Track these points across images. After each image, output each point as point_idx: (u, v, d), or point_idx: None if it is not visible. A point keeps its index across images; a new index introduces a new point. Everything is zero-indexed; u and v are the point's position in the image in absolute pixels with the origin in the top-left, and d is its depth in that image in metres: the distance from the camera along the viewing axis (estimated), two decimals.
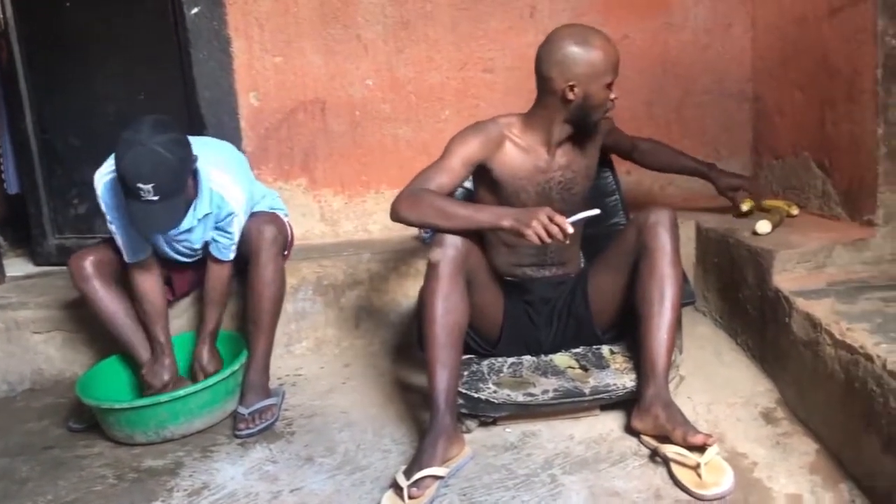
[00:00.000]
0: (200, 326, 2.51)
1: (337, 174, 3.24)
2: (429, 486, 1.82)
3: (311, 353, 2.86)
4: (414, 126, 3.21)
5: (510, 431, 2.13)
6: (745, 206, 2.66)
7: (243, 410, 2.31)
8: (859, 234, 2.32)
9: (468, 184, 2.33)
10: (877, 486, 1.65)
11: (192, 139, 2.26)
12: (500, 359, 2.28)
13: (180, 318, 2.78)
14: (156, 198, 2.07)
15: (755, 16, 3.13)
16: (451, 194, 2.12)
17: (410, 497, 1.78)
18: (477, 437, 2.11)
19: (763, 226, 2.44)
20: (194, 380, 2.43)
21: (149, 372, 2.40)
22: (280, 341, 2.71)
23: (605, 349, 2.29)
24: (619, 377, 2.13)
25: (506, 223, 1.95)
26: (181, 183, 2.15)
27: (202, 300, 2.74)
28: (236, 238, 2.40)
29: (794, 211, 2.65)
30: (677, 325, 2.09)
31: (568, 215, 1.96)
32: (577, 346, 2.31)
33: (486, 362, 2.27)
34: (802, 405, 2.06)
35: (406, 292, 2.83)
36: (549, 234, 1.90)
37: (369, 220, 3.27)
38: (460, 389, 2.08)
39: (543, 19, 3.09)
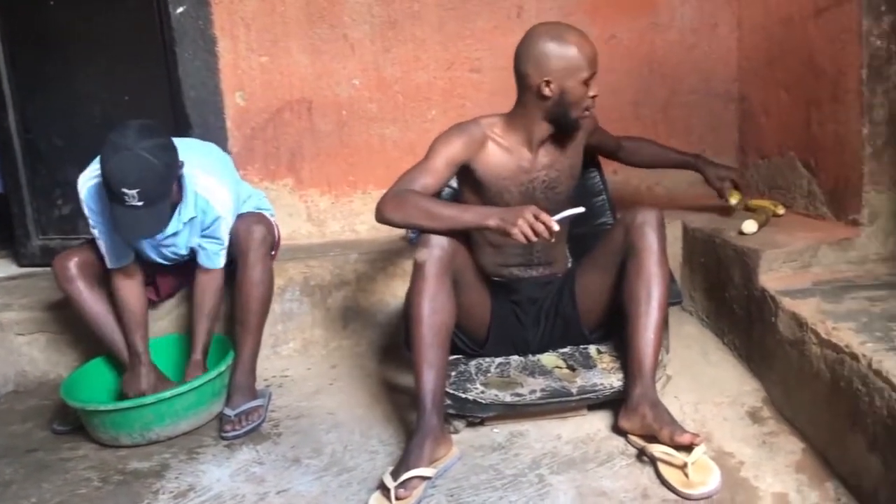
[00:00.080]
0: (191, 341, 2.44)
1: (324, 174, 3.23)
2: (416, 486, 1.81)
3: (297, 354, 2.85)
4: (401, 126, 3.20)
5: (498, 432, 2.13)
6: (733, 200, 2.64)
7: (230, 412, 2.29)
8: (845, 233, 2.33)
9: (454, 183, 2.32)
10: (862, 484, 1.66)
11: (177, 141, 2.24)
12: (487, 359, 2.28)
13: (163, 320, 2.77)
14: (140, 203, 2.06)
15: (741, 16, 3.14)
16: (436, 195, 2.12)
17: (398, 498, 1.77)
18: (465, 437, 2.11)
19: (749, 225, 2.45)
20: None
21: (125, 382, 2.38)
22: (267, 342, 2.70)
23: (592, 349, 2.29)
24: (607, 377, 2.14)
25: (491, 222, 1.95)
26: (166, 188, 2.14)
27: (189, 301, 2.73)
28: (225, 242, 2.38)
29: (780, 210, 2.66)
30: (664, 324, 2.10)
31: (552, 214, 1.95)
32: (565, 346, 2.31)
33: (473, 362, 2.26)
34: (788, 404, 2.06)
35: (393, 293, 2.82)
36: (535, 233, 1.90)
37: (356, 220, 3.26)
38: (448, 390, 2.08)
39: (531, 19, 3.08)
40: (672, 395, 2.21)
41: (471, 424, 2.15)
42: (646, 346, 2.02)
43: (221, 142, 3.06)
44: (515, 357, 2.29)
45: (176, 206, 2.27)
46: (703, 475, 1.76)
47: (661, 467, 1.83)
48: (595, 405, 2.15)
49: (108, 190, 2.08)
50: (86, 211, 2.29)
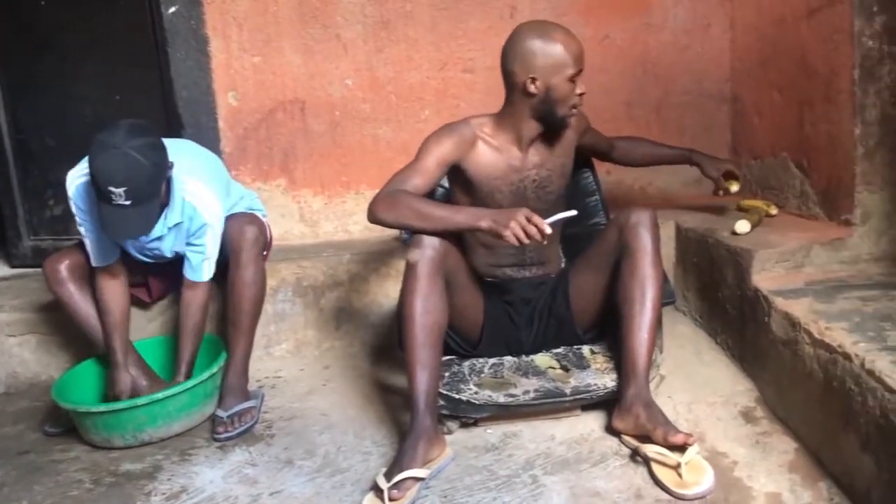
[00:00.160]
0: (175, 360, 2.41)
1: (317, 174, 3.22)
2: (409, 487, 1.81)
3: (290, 355, 2.84)
4: (394, 126, 3.19)
5: (491, 432, 2.12)
6: (734, 188, 2.60)
7: (222, 413, 2.28)
8: (837, 233, 2.34)
9: (447, 183, 2.32)
10: (855, 483, 1.66)
11: (168, 142, 2.23)
12: (481, 360, 2.28)
13: (155, 321, 2.76)
14: (127, 202, 2.05)
15: (734, 17, 3.15)
16: (427, 195, 2.12)
17: (391, 499, 1.77)
18: (458, 438, 2.11)
19: (742, 225, 2.46)
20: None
21: (108, 385, 2.37)
22: (259, 343, 2.69)
23: (585, 349, 2.29)
24: (600, 377, 2.14)
25: (483, 224, 1.95)
26: (155, 189, 2.12)
27: (177, 301, 2.72)
28: (209, 252, 2.34)
29: (773, 211, 2.67)
30: (658, 324, 2.10)
31: (544, 214, 1.96)
32: (558, 347, 2.31)
33: (467, 363, 2.26)
34: (782, 404, 2.07)
35: (387, 293, 2.81)
36: (528, 235, 1.90)
37: (349, 220, 3.25)
38: (441, 391, 2.08)
39: (524, 19, 3.01)
40: (665, 395, 2.21)
41: (464, 425, 2.15)
42: (640, 346, 2.02)
43: (214, 142, 3.06)
44: (509, 358, 2.29)
45: (163, 208, 2.25)
46: (697, 475, 1.76)
47: (655, 467, 1.84)
48: (589, 405, 2.15)
49: (96, 188, 2.07)
50: (73, 209, 2.28)
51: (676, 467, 1.78)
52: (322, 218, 3.26)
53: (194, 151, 2.44)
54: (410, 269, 1.99)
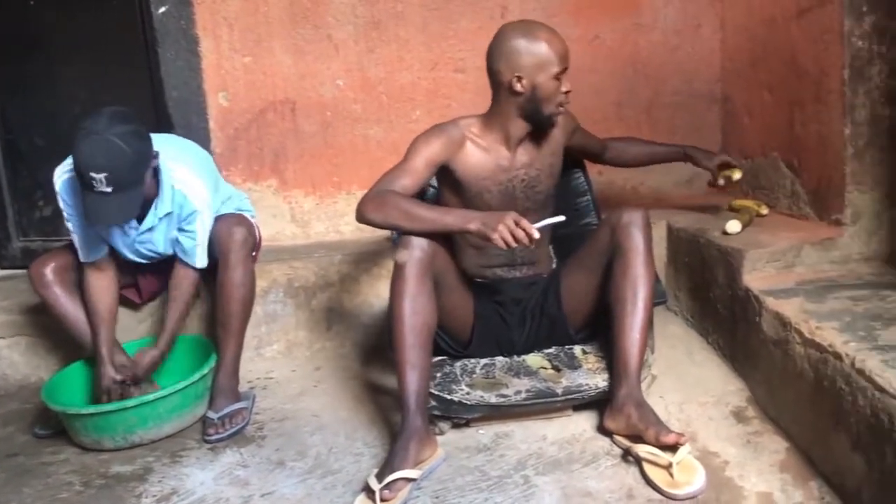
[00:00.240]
0: (160, 332, 2.42)
1: (308, 175, 3.21)
2: (401, 488, 1.81)
3: (281, 356, 2.84)
4: (385, 126, 3.19)
5: (483, 433, 2.12)
6: (736, 175, 2.56)
7: (213, 415, 2.28)
8: (827, 233, 2.35)
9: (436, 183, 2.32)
10: (846, 483, 1.67)
11: (155, 136, 2.23)
12: (472, 360, 2.27)
13: (145, 322, 2.75)
14: (109, 189, 2.04)
15: (724, 17, 3.16)
16: (417, 195, 2.12)
17: (382, 500, 1.76)
18: (450, 438, 2.11)
19: (733, 225, 2.46)
20: (123, 380, 2.34)
21: (94, 382, 2.36)
22: (250, 344, 2.69)
23: (577, 349, 2.29)
24: (592, 377, 2.14)
25: (472, 227, 1.95)
26: (137, 176, 2.11)
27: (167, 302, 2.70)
28: (200, 238, 2.35)
29: (764, 211, 2.67)
30: (649, 324, 2.10)
31: (533, 214, 1.97)
32: (550, 347, 2.31)
33: (458, 364, 2.26)
34: (773, 404, 2.07)
35: (378, 294, 2.81)
36: (516, 239, 1.90)
37: (340, 220, 3.25)
38: (433, 391, 2.08)
39: (514, 20, 3.08)
40: (657, 394, 2.22)
41: (456, 426, 2.15)
42: (631, 346, 2.03)
43: (204, 143, 3.04)
44: (500, 358, 2.28)
45: (152, 200, 2.26)
46: (688, 475, 1.76)
47: (647, 467, 1.84)
48: (580, 405, 2.15)
49: (78, 175, 2.07)
50: (60, 203, 2.28)
51: (668, 467, 1.78)
52: (313, 218, 3.25)
53: (181, 143, 2.45)
54: (398, 270, 1.99)
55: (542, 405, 2.11)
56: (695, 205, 2.94)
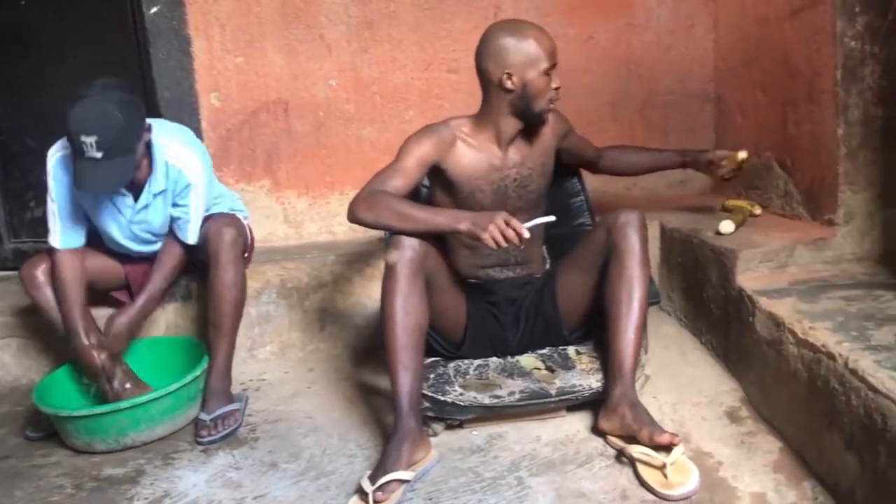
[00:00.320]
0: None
1: (301, 175, 3.21)
2: (394, 490, 1.80)
3: (274, 357, 2.83)
4: (378, 126, 3.18)
5: (477, 434, 2.12)
6: (741, 154, 2.48)
7: (205, 417, 2.26)
8: (820, 233, 2.35)
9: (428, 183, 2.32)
10: (839, 483, 1.67)
11: (151, 120, 2.25)
12: (466, 361, 2.27)
13: None
14: (99, 154, 2.05)
15: (717, 17, 3.16)
16: (411, 196, 2.12)
17: (376, 502, 1.76)
18: (443, 440, 2.10)
19: (726, 225, 2.46)
20: (88, 339, 2.32)
21: (81, 367, 2.34)
22: (243, 345, 2.68)
23: (570, 350, 2.29)
24: (586, 378, 2.13)
25: (463, 227, 1.95)
26: (127, 142, 2.12)
27: (163, 304, 2.70)
28: (192, 213, 2.35)
29: (757, 211, 2.67)
30: (644, 325, 2.10)
31: (525, 214, 1.98)
32: (544, 347, 2.31)
33: (451, 364, 2.25)
34: (766, 404, 2.07)
35: (371, 294, 2.80)
36: (506, 239, 1.90)
37: (334, 221, 3.24)
38: (426, 392, 2.07)
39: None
40: (651, 395, 2.21)
41: (449, 427, 2.14)
42: (626, 346, 2.02)
43: None
44: (494, 359, 2.28)
45: (146, 179, 2.27)
46: (682, 476, 1.76)
47: (640, 468, 1.83)
48: (574, 406, 2.15)
49: (70, 142, 2.08)
50: (49, 181, 2.28)
51: (662, 468, 1.78)
52: (306, 219, 3.24)
53: (177, 126, 2.47)
54: (390, 271, 1.98)
55: (535, 406, 2.11)
56: (688, 205, 2.94)
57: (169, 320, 2.76)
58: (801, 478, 1.77)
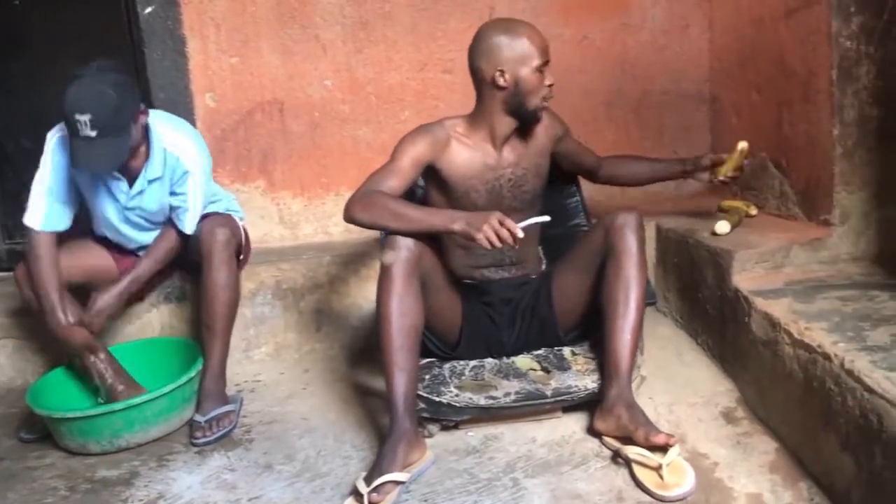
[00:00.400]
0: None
1: (296, 176, 3.20)
2: (390, 491, 1.80)
3: (270, 358, 2.82)
4: (374, 127, 3.18)
5: (472, 435, 2.11)
6: (742, 144, 2.40)
7: (200, 418, 2.26)
8: (816, 233, 2.35)
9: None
10: (835, 484, 1.67)
11: (151, 111, 2.29)
12: (461, 362, 2.27)
13: (133, 325, 2.73)
14: (93, 133, 2.07)
15: (712, 17, 3.16)
16: (406, 195, 2.12)
17: (371, 503, 1.75)
18: (439, 441, 2.10)
19: (722, 226, 2.46)
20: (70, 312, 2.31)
21: (62, 338, 2.32)
22: (238, 347, 2.67)
23: (566, 350, 2.29)
24: (581, 379, 2.13)
25: (457, 227, 1.95)
26: (121, 122, 2.13)
27: (158, 305, 2.69)
28: (190, 202, 2.36)
29: (753, 211, 2.67)
30: (641, 326, 2.10)
31: (520, 214, 1.98)
32: (539, 348, 2.30)
33: (447, 366, 2.25)
34: (762, 404, 2.07)
35: (367, 295, 2.79)
36: (500, 239, 1.89)
37: (329, 222, 3.23)
38: (422, 393, 2.07)
39: None
40: (646, 395, 2.21)
41: (445, 428, 2.14)
42: (623, 347, 2.02)
43: None
44: (489, 360, 2.28)
45: (143, 164, 2.29)
46: (678, 477, 1.76)
47: (636, 469, 1.83)
48: (570, 407, 2.15)
49: (66, 123, 2.11)
50: (46, 161, 2.30)
51: (658, 469, 1.78)
52: (302, 220, 3.23)
53: (176, 117, 2.49)
54: (385, 272, 1.98)
55: (531, 407, 2.10)
56: (684, 206, 2.94)
57: (163, 321, 2.76)
58: (797, 478, 1.77)
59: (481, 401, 2.08)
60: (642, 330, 2.15)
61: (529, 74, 2.07)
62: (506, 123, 2.16)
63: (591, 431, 2.05)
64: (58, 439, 2.24)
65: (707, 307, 2.46)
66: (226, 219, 2.46)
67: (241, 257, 2.59)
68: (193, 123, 3.08)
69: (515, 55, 2.07)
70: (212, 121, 3.12)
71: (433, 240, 2.08)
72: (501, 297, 2.27)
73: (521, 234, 1.90)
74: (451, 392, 2.11)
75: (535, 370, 2.20)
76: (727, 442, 1.96)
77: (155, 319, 2.73)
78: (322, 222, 3.24)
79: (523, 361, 2.25)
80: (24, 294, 2.40)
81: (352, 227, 2.10)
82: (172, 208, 2.39)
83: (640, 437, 1.85)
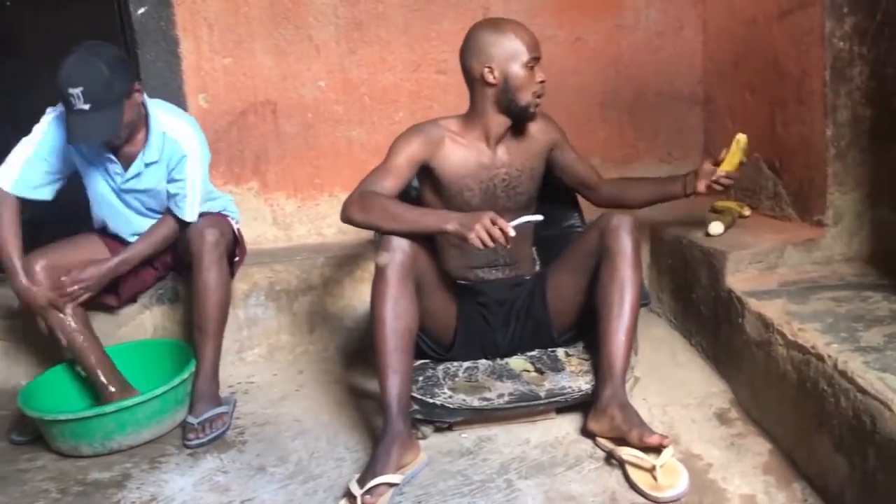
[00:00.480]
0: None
1: (289, 177, 3.19)
2: (383, 493, 1.79)
3: (263, 359, 2.81)
4: (367, 128, 3.17)
5: (466, 437, 2.11)
6: (740, 137, 2.27)
7: (193, 420, 2.25)
8: (810, 234, 2.35)
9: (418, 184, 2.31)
10: (829, 485, 1.67)
11: (151, 100, 2.32)
12: (455, 363, 2.26)
13: (127, 326, 2.71)
14: (86, 106, 2.10)
15: (706, 18, 3.16)
16: (401, 195, 2.12)
17: None
18: (432, 442, 2.09)
19: (715, 227, 2.46)
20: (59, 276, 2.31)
21: (23, 299, 2.30)
22: (232, 348, 2.67)
23: (560, 352, 2.29)
24: (575, 380, 2.13)
25: (450, 227, 1.94)
26: (113, 95, 2.15)
27: (153, 307, 2.68)
28: (188, 188, 2.37)
29: (746, 212, 2.68)
30: (635, 327, 2.10)
31: (513, 215, 1.97)
32: (533, 349, 2.30)
33: (441, 367, 2.24)
34: (756, 405, 2.07)
35: (360, 297, 2.79)
36: (492, 238, 1.89)
37: (323, 223, 3.22)
38: (415, 395, 2.06)
39: None
40: (640, 396, 2.21)
41: (439, 430, 2.13)
42: (617, 348, 2.02)
43: None
44: (483, 361, 2.27)
45: (141, 148, 2.31)
46: (672, 478, 1.76)
47: (630, 470, 1.83)
48: (563, 408, 2.14)
49: (61, 99, 2.14)
50: (37, 131, 2.33)
51: (651, 470, 1.77)
52: (295, 221, 3.23)
53: (175, 107, 2.50)
54: (380, 273, 1.97)
55: (525, 408, 2.10)
56: (678, 207, 2.93)
57: (156, 323, 2.74)
58: (791, 479, 1.77)
59: (475, 402, 2.08)
60: (636, 331, 2.15)
61: (518, 70, 2.08)
62: (499, 122, 2.16)
63: (585, 432, 2.05)
64: (49, 441, 2.23)
65: (701, 308, 2.46)
66: (216, 219, 2.45)
67: (237, 259, 2.58)
68: None
69: (503, 51, 2.08)
70: (204, 122, 3.08)
71: (428, 240, 2.08)
72: (496, 298, 2.26)
73: (513, 233, 1.89)
74: (444, 393, 2.10)
75: (528, 371, 2.20)
76: (721, 443, 1.96)
77: (147, 321, 2.72)
78: (316, 223, 3.23)
79: (517, 363, 2.25)
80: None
81: (345, 227, 2.10)
82: (171, 196, 2.38)
83: (634, 438, 1.85)
